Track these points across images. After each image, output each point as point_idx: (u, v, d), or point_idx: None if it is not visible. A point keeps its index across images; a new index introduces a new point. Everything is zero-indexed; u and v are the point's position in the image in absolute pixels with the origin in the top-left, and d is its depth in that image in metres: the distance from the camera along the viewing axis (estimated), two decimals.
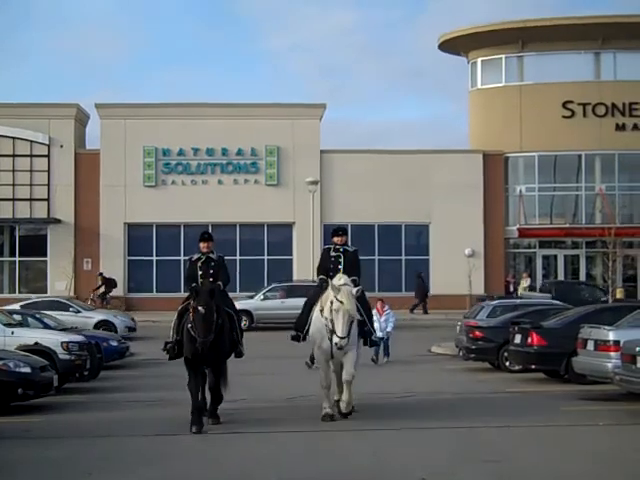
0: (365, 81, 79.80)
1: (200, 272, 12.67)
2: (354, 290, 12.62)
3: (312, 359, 19.48)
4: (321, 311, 12.68)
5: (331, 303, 12.43)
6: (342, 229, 13.69)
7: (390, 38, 79.32)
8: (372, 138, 68.39)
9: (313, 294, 13.40)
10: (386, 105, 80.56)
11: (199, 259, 12.85)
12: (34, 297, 30.60)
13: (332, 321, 12.40)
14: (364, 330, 13.20)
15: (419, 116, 75.44)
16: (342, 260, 13.12)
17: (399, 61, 78.33)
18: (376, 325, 19.83)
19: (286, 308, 27.57)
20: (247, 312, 28.90)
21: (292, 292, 29.83)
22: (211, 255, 12.87)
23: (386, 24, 78.71)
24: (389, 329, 21.23)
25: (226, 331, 12.46)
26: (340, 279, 12.71)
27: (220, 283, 12.67)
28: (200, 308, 12.03)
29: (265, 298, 30.89)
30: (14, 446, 11.27)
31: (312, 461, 10.24)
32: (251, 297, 31.03)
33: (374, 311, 19.73)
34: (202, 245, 12.93)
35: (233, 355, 12.96)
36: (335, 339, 12.27)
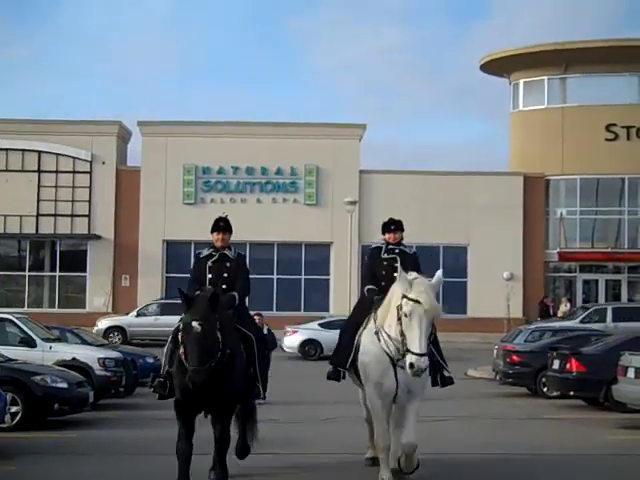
0: (409, 101, 79.82)
1: (210, 275, 9.15)
2: (434, 280, 8.80)
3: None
4: (377, 333, 9.02)
5: (398, 309, 8.63)
6: (396, 223, 9.81)
7: (435, 58, 79.39)
8: (414, 159, 68.49)
9: (356, 312, 9.82)
10: (429, 125, 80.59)
11: (210, 256, 9.29)
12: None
13: (403, 337, 8.58)
14: (432, 361, 9.24)
15: (461, 137, 75.40)
16: (399, 265, 9.26)
17: (443, 81, 78.29)
18: None
19: (159, 325, 28.90)
20: (120, 328, 31.32)
21: (166, 310, 30.84)
22: (227, 252, 9.31)
23: (432, 44, 78.81)
24: None
25: (238, 362, 8.78)
26: (410, 274, 8.87)
27: (236, 294, 9.09)
28: (195, 324, 8.35)
29: (139, 315, 32.34)
30: (48, 461, 11.27)
31: None
32: (126, 314, 32.51)
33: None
34: (216, 237, 9.34)
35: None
36: (410, 358, 8.45)
